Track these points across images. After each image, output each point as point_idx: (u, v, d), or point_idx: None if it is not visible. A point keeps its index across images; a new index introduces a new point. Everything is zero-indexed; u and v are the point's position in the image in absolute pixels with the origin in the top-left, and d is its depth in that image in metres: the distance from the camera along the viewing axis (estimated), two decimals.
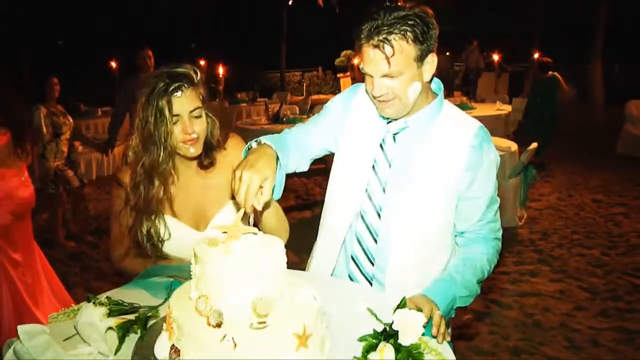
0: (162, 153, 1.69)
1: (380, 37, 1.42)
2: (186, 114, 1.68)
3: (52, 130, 4.73)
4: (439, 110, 1.61)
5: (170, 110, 1.65)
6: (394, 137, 1.63)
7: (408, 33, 1.42)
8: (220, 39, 20.08)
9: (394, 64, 1.44)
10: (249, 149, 1.57)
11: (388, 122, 1.62)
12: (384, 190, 1.63)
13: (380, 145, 1.64)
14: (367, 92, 1.58)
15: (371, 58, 1.46)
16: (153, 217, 1.75)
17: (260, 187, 1.38)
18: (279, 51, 18.83)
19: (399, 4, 1.48)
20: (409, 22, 1.42)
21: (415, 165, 1.59)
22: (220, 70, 10.80)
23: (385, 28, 1.42)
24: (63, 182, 4.89)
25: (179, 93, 1.65)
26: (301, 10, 17.39)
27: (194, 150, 1.74)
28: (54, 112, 4.73)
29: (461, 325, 3.38)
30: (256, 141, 1.56)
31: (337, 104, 1.78)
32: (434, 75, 1.57)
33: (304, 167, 1.77)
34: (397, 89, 1.48)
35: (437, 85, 1.65)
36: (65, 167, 4.89)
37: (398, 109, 1.53)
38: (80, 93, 10.15)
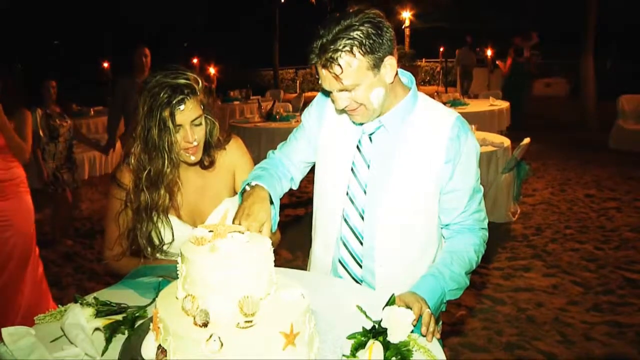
0: (167, 163, 1.72)
1: (327, 57, 1.39)
2: (188, 123, 1.70)
3: (48, 133, 4.73)
4: (413, 104, 1.59)
5: (173, 121, 1.66)
6: (370, 138, 1.62)
7: (354, 47, 1.38)
8: (213, 37, 20.04)
9: (345, 79, 1.41)
10: (243, 192, 1.59)
11: (363, 123, 1.61)
12: (364, 192, 1.62)
13: (357, 147, 1.63)
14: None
15: (324, 76, 1.45)
16: (155, 220, 1.78)
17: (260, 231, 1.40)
18: (272, 49, 18.81)
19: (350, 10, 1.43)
20: (354, 34, 1.38)
21: (394, 164, 1.58)
22: (212, 70, 10.81)
23: (331, 46, 1.38)
24: (62, 183, 4.90)
25: (182, 106, 1.66)
26: (293, 7, 17.37)
27: (195, 158, 1.77)
28: (50, 114, 4.73)
29: (454, 322, 3.38)
30: (248, 184, 1.59)
31: (311, 113, 1.78)
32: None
33: (295, 187, 1.84)
34: (359, 99, 1.47)
35: (409, 78, 1.64)
36: (63, 169, 4.89)
37: (366, 116, 1.53)
38: (73, 93, 10.11)
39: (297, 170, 1.83)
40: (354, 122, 1.61)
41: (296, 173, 1.83)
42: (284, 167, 1.81)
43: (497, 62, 11.68)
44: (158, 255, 1.85)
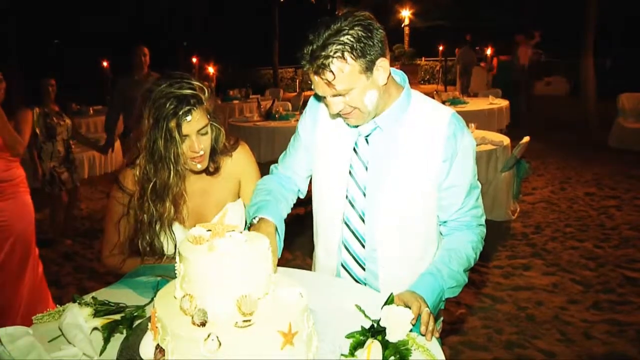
0: (173, 174, 1.71)
1: (318, 63, 1.37)
2: (194, 133, 1.68)
3: (45, 131, 4.71)
4: (407, 104, 1.58)
5: (179, 132, 1.64)
6: (366, 139, 1.61)
7: (345, 53, 1.36)
8: (213, 37, 20.03)
9: (338, 85, 1.40)
10: (250, 226, 1.60)
11: (358, 125, 1.60)
12: (364, 194, 1.61)
13: (354, 150, 1.62)
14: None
15: (316, 82, 1.43)
16: (158, 232, 1.77)
17: None
18: (272, 48, 18.80)
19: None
20: (345, 38, 1.35)
21: (392, 164, 1.57)
22: (211, 69, 10.81)
23: (322, 52, 1.36)
24: (58, 182, 4.88)
25: (189, 117, 1.63)
26: (293, 6, 17.36)
27: (201, 166, 1.76)
28: (48, 113, 4.70)
29: (454, 320, 3.38)
30: (254, 217, 1.59)
31: (305, 120, 1.77)
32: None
33: (302, 196, 1.86)
34: (353, 103, 1.45)
35: (401, 77, 1.62)
36: (61, 168, 4.87)
37: (361, 118, 1.52)
38: (72, 92, 10.11)
39: (302, 179, 1.84)
40: (349, 125, 1.60)
41: (302, 183, 1.84)
42: (289, 181, 1.82)
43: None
44: (158, 258, 1.83)
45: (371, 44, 1.38)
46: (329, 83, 1.40)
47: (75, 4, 18.32)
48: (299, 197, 1.87)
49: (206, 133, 1.72)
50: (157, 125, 1.63)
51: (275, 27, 18.55)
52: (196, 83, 1.69)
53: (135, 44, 5.24)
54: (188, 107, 1.62)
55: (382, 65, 1.43)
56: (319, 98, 1.69)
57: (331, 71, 1.37)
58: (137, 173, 1.75)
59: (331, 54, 1.36)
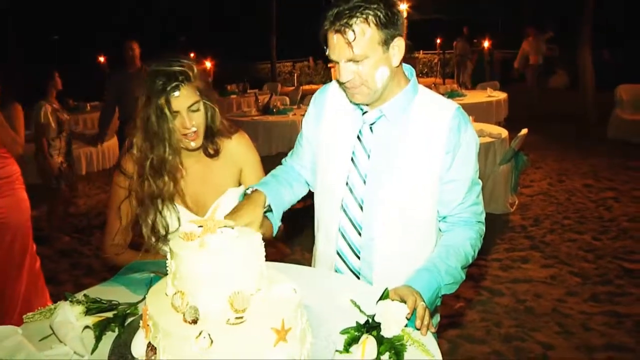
0: (168, 149, 1.75)
1: (342, 22, 1.41)
2: (184, 110, 1.72)
3: (57, 127, 4.68)
4: (413, 95, 1.59)
5: (169, 108, 1.69)
6: (370, 128, 1.61)
7: (370, 17, 1.41)
8: (210, 31, 19.94)
9: (357, 47, 1.42)
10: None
11: (363, 113, 1.61)
12: (364, 182, 1.60)
13: (358, 137, 1.62)
14: (336, 80, 1.59)
15: (334, 43, 1.45)
16: (161, 208, 1.80)
17: None
18: (269, 42, 18.71)
19: None
20: (372, 6, 1.41)
21: (394, 154, 1.56)
22: (208, 64, 10.79)
23: (347, 12, 1.40)
24: (64, 178, 4.86)
25: (176, 93, 1.68)
26: (291, 0, 17.28)
27: (195, 144, 1.79)
28: (56, 108, 4.67)
29: (453, 314, 3.38)
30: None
31: (309, 115, 1.79)
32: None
33: (313, 189, 1.85)
34: (364, 74, 1.47)
35: (410, 71, 1.63)
36: (65, 163, 4.85)
37: (367, 95, 1.52)
38: (69, 88, 10.04)
39: (310, 172, 1.84)
40: (357, 108, 1.61)
41: (309, 176, 1.85)
42: (296, 172, 1.85)
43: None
44: (161, 245, 1.84)
45: (393, 20, 1.44)
46: (348, 43, 1.42)
47: (75, 1, 18.27)
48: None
49: (197, 110, 1.75)
50: (150, 102, 1.69)
51: (273, 21, 18.48)
52: (185, 61, 1.74)
53: (127, 39, 5.34)
54: (176, 83, 1.67)
55: (399, 44, 1.47)
56: (323, 92, 1.73)
57: (353, 31, 1.41)
58: (135, 152, 1.78)
59: (357, 14, 1.41)
